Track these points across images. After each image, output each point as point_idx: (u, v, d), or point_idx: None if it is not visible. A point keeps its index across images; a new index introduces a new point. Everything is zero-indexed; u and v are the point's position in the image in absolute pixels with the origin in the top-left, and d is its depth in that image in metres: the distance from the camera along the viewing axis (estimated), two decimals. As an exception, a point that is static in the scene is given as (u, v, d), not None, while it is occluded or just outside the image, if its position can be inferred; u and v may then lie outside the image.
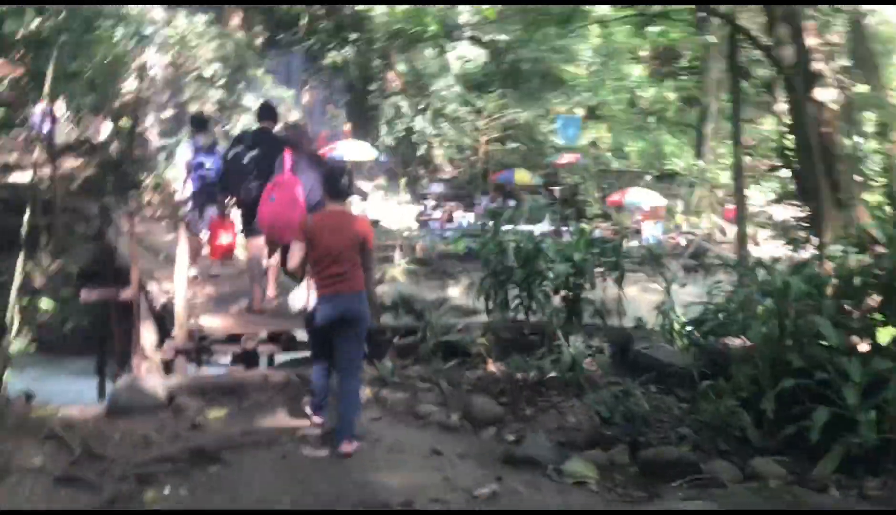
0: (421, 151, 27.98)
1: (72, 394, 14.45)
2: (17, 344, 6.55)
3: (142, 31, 19.24)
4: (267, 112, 8.44)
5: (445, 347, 7.70)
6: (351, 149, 25.76)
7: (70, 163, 24.20)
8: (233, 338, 6.65)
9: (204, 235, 8.96)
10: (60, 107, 24.82)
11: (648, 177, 30.56)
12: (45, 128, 24.56)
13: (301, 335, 6.86)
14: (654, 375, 6.67)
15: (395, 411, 6.20)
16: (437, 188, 28.12)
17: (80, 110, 20.48)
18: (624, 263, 8.47)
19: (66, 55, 17.78)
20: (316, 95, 29.64)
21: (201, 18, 22.32)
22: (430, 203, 26.64)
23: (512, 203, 25.78)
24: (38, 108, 22.35)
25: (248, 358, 6.92)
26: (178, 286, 6.50)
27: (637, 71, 36.72)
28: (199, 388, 6.06)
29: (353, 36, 28.70)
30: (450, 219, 24.59)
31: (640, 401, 5.76)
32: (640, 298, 9.90)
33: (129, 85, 22.72)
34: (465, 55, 27.88)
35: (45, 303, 7.23)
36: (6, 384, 6.23)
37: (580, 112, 33.13)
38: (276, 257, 7.57)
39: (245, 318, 7.28)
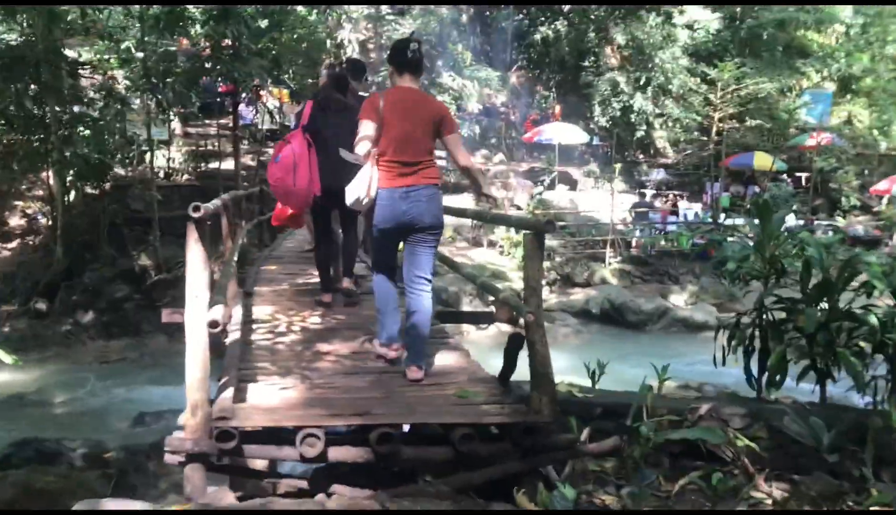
0: (640, 133, 23.85)
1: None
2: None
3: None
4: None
5: (675, 445, 4.20)
6: (560, 133, 22.38)
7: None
8: (282, 435, 3.59)
9: None
10: (266, 97, 23.82)
11: (922, 163, 24.38)
12: (250, 117, 23.70)
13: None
14: None
15: None
16: (658, 175, 23.92)
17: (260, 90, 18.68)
18: None
19: (252, 31, 16.04)
20: (524, 75, 26.42)
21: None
22: (650, 192, 22.55)
23: (754, 190, 21.13)
24: (245, 99, 21.23)
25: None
26: (189, 328, 3.51)
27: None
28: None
29: (566, 7, 25.13)
30: (673, 211, 20.43)
31: None
32: None
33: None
34: (696, 20, 23.29)
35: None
36: None
37: (830, 86, 27.40)
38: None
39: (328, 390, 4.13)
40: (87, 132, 16.20)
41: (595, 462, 4.25)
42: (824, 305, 4.55)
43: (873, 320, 4.40)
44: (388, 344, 4.61)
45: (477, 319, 7.40)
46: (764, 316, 4.82)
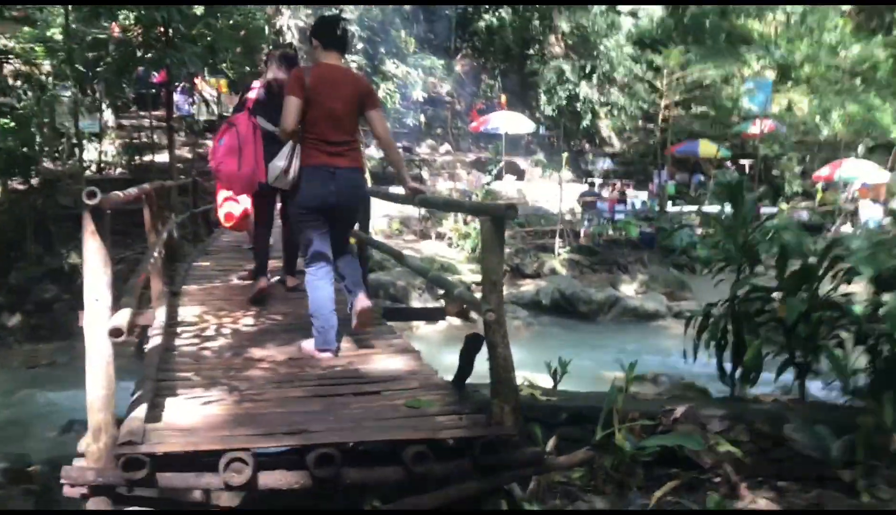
0: (585, 122, 23.61)
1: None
2: None
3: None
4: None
5: (651, 454, 3.77)
6: (506, 122, 21.99)
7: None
8: (203, 459, 3.07)
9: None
10: (204, 87, 22.84)
11: (861, 149, 24.64)
12: (187, 108, 22.73)
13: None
14: None
15: None
16: (605, 164, 23.75)
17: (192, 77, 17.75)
18: None
19: (185, 16, 15.18)
20: (469, 64, 25.96)
21: (339, -24, 18.97)
22: (597, 181, 22.33)
23: (699, 178, 21.05)
24: (179, 88, 20.25)
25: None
26: (89, 337, 2.96)
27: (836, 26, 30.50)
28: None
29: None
30: (621, 200, 20.23)
31: None
32: None
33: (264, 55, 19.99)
34: (640, 7, 23.08)
35: None
36: None
37: (770, 74, 27.58)
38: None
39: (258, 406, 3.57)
40: (11, 124, 15.17)
41: (562, 473, 3.82)
42: (803, 295, 4.18)
43: (857, 310, 4.04)
44: (325, 350, 4.29)
45: (427, 316, 6.91)
46: (737, 307, 4.44)
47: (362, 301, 4.24)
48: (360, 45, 19.31)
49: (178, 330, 4.76)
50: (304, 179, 4.22)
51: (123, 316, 2.92)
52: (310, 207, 4.25)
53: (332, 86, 4.15)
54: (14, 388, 11.68)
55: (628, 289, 15.65)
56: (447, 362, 4.52)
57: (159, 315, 4.96)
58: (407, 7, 24.03)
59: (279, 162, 4.22)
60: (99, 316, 2.89)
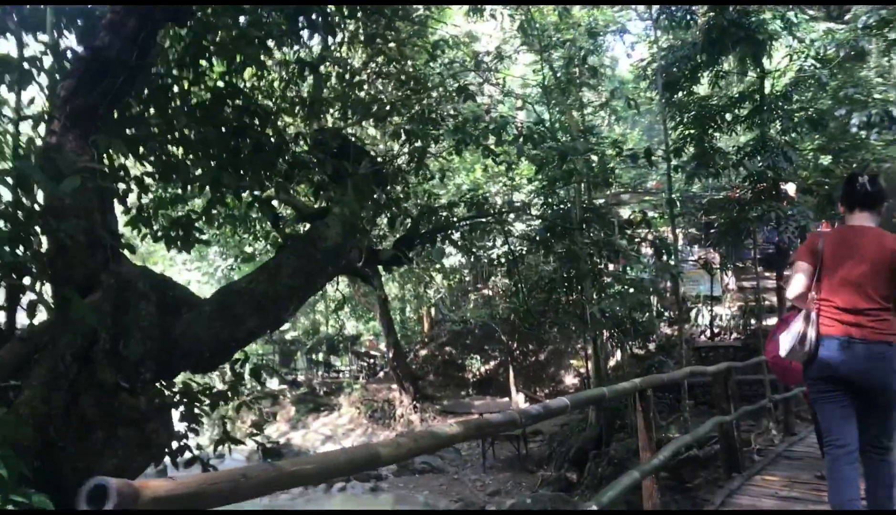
0: None
1: None
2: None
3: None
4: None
5: None
6: None
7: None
8: None
9: None
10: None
11: None
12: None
13: None
14: None
15: None
16: None
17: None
18: None
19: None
20: None
21: None
22: None
23: None
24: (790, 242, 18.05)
25: None
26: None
27: None
28: None
29: None
30: None
31: None
32: None
33: None
34: None
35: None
36: None
37: None
38: None
39: None
40: (629, 289, 15.04)
41: None
42: None
43: None
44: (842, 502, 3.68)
45: None
46: None
47: None
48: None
49: None
50: (819, 351, 3.83)
51: None
52: (820, 378, 3.84)
53: (851, 249, 3.79)
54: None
55: None
56: None
57: None
58: None
59: (791, 335, 3.82)
60: None
